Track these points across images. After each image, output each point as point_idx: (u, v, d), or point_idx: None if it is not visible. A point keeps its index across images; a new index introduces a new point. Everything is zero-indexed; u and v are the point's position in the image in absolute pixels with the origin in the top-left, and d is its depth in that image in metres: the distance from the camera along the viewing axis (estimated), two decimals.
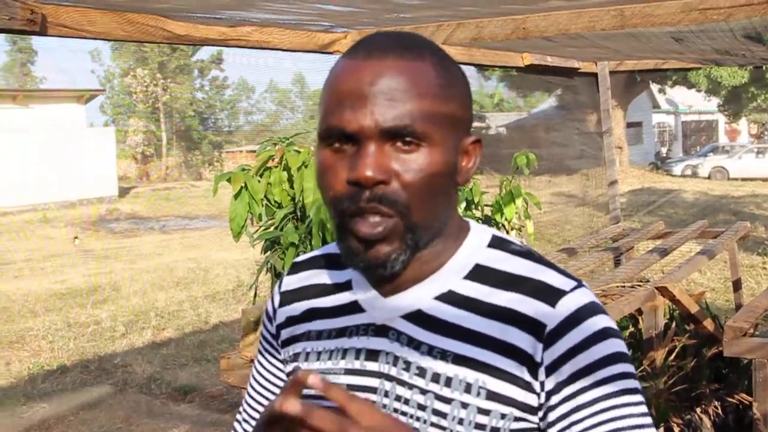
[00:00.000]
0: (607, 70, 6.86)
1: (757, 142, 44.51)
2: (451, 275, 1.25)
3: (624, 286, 4.54)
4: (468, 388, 1.18)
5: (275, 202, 4.16)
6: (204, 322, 10.26)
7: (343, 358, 1.28)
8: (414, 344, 1.23)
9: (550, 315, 1.18)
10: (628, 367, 1.18)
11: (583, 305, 1.19)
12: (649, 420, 1.16)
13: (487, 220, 4.87)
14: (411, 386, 1.21)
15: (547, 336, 1.17)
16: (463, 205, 4.74)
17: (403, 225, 1.16)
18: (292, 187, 4.11)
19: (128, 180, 37.81)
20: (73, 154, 27.39)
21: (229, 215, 4.01)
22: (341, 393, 1.00)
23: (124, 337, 9.58)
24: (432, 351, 1.21)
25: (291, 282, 1.43)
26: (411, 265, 1.21)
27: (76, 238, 18.79)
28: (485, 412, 1.17)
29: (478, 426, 1.17)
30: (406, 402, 1.21)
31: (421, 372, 1.21)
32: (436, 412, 1.19)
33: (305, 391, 1.00)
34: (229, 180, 4.04)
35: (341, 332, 1.30)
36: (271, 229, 4.13)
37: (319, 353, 1.32)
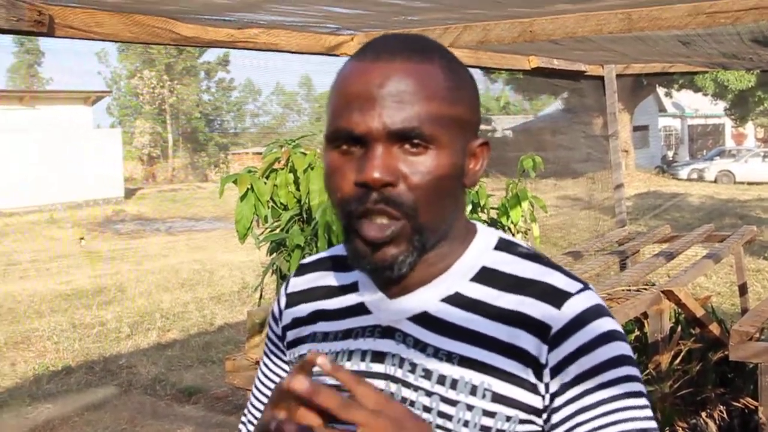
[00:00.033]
0: (613, 73, 6.86)
1: (763, 146, 44.36)
2: (458, 277, 1.25)
3: (630, 290, 4.53)
4: (473, 391, 1.18)
5: (281, 204, 4.16)
6: (209, 323, 10.27)
7: (348, 359, 1.28)
8: (420, 346, 1.23)
9: (555, 317, 1.18)
10: (633, 371, 1.18)
11: (588, 308, 1.19)
12: (653, 424, 1.16)
13: (493, 223, 4.87)
14: (416, 388, 1.21)
15: (552, 338, 1.17)
16: (469, 207, 4.73)
17: (411, 227, 1.16)
18: (298, 189, 4.11)
19: (134, 181, 37.86)
20: (80, 155, 27.44)
21: (235, 217, 4.02)
22: (349, 375, 1.00)
23: (129, 338, 9.59)
24: (438, 353, 1.21)
25: (297, 284, 1.43)
26: (417, 267, 1.21)
27: (81, 239, 18.82)
28: (490, 415, 1.17)
29: (484, 428, 1.17)
30: (412, 404, 1.21)
31: (427, 374, 1.21)
32: (442, 414, 1.19)
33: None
34: (235, 182, 4.04)
35: (347, 334, 1.30)
36: (277, 231, 4.13)
37: (325, 354, 1.32)
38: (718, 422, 4.86)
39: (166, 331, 9.91)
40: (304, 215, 4.11)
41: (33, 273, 14.51)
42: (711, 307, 6.04)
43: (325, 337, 1.33)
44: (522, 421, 1.17)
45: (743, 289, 6.65)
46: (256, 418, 1.48)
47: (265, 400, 1.47)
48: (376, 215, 1.15)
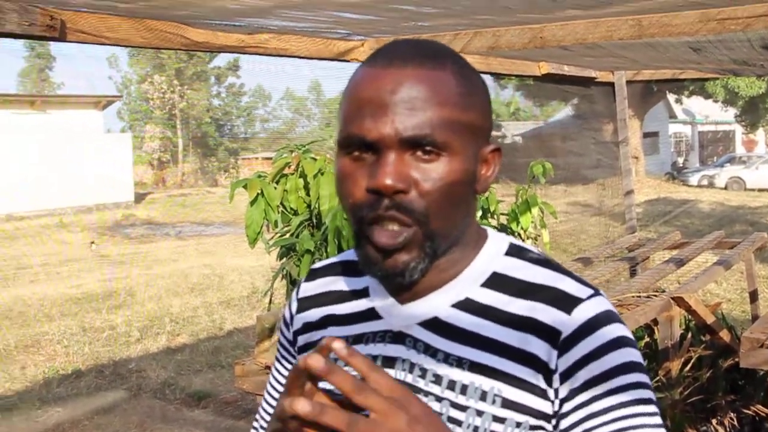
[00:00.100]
0: (624, 79, 6.85)
1: None
2: (469, 283, 1.25)
3: (640, 296, 4.52)
4: (483, 396, 1.18)
5: (291, 209, 4.17)
6: (218, 328, 10.28)
7: None
8: (430, 351, 1.23)
9: (565, 322, 1.18)
10: (643, 377, 1.17)
11: (598, 313, 1.19)
12: (663, 431, 1.15)
13: (503, 229, 4.87)
14: (427, 393, 1.21)
15: (561, 343, 1.17)
16: (480, 213, 4.73)
17: (422, 234, 1.16)
18: (308, 194, 4.12)
19: (144, 186, 37.93)
20: (90, 159, 27.50)
21: (245, 222, 4.03)
22: (364, 362, 0.99)
23: (139, 342, 9.61)
24: (448, 358, 1.21)
25: (308, 289, 1.43)
26: (428, 273, 1.21)
27: (92, 243, 18.85)
28: (500, 420, 1.17)
29: None
30: None
31: (437, 379, 1.21)
32: (452, 420, 1.18)
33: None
34: (245, 187, 4.06)
35: (358, 339, 1.30)
36: (287, 235, 4.15)
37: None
38: (728, 429, 4.85)
39: (175, 336, 9.92)
40: (314, 220, 4.12)
41: (43, 277, 14.55)
42: (721, 313, 6.03)
43: None
44: (532, 427, 1.17)
45: (754, 296, 6.63)
46: (267, 422, 1.48)
47: (275, 403, 1.47)
48: (388, 222, 1.15)
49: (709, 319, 4.66)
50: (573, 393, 1.15)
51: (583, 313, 1.18)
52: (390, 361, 1.25)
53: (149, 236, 21.04)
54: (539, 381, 1.17)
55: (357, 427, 0.93)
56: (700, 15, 3.50)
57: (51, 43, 3.25)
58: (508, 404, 1.17)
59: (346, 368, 0.99)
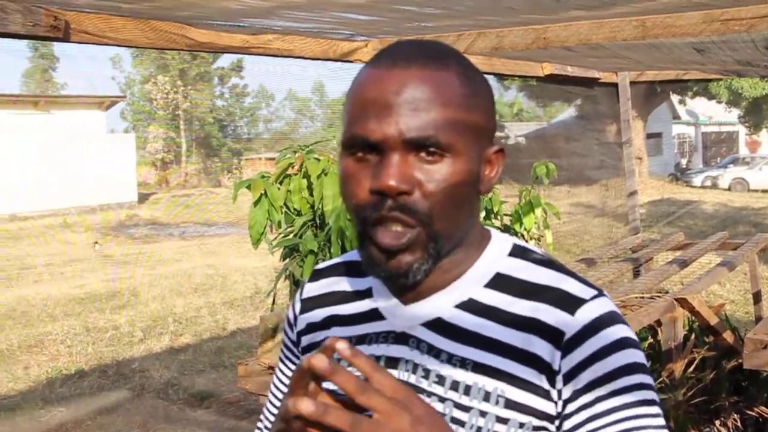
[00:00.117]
0: (627, 80, 6.85)
1: None
2: (472, 284, 1.25)
3: (643, 297, 4.52)
4: (487, 397, 1.18)
5: (294, 209, 4.17)
6: (222, 328, 10.29)
7: None
8: (434, 352, 1.23)
9: (569, 323, 1.17)
10: (647, 378, 1.17)
11: (602, 314, 1.19)
12: None
13: (506, 230, 4.86)
14: (430, 394, 1.21)
15: (565, 344, 1.17)
16: (483, 214, 4.73)
17: (426, 235, 1.16)
18: (311, 194, 4.12)
19: (147, 186, 37.95)
20: (94, 160, 27.52)
21: (248, 222, 4.03)
22: (367, 362, 0.99)
23: (142, 342, 9.61)
24: (451, 359, 1.21)
25: (312, 289, 1.44)
26: (432, 274, 1.21)
27: (96, 243, 18.86)
28: (504, 421, 1.17)
29: None
30: None
31: (441, 380, 1.21)
32: (455, 421, 1.18)
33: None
34: (249, 187, 4.06)
35: (361, 339, 1.30)
36: (290, 236, 4.14)
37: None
38: (731, 431, 4.84)
39: (178, 336, 9.93)
40: (318, 221, 4.12)
41: (47, 277, 14.56)
42: (725, 315, 6.02)
43: None
44: (535, 428, 1.17)
45: (757, 297, 6.62)
46: (271, 422, 1.48)
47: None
48: (391, 223, 1.15)
49: (713, 321, 4.66)
50: (576, 394, 1.15)
51: (586, 313, 1.18)
52: (393, 362, 1.25)
53: (153, 236, 21.06)
54: (542, 382, 1.17)
55: (360, 428, 0.93)
56: (704, 16, 3.50)
57: (54, 43, 3.25)
58: (511, 405, 1.17)
59: (349, 369, 0.99)
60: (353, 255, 1.40)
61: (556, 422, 1.17)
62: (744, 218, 21.27)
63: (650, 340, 5.14)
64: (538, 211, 4.95)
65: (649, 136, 37.09)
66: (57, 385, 7.99)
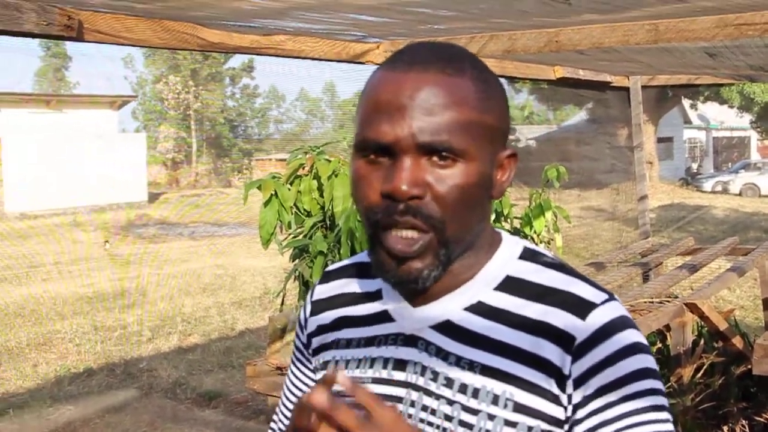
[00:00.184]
0: (639, 84, 6.83)
1: None
2: (482, 286, 1.25)
3: (652, 302, 4.51)
4: (495, 400, 1.17)
5: (305, 210, 4.17)
6: (230, 328, 10.30)
7: (371, 367, 1.28)
8: (442, 355, 1.23)
9: (579, 327, 1.17)
10: (657, 383, 1.17)
11: (613, 319, 1.18)
12: None
13: (516, 233, 4.86)
14: (438, 396, 1.21)
15: (576, 348, 1.16)
16: (493, 217, 4.72)
17: (437, 240, 1.16)
18: (321, 195, 4.12)
19: (157, 186, 38.04)
20: (104, 159, 27.61)
21: (258, 222, 4.03)
22: (367, 395, 1.00)
23: (151, 341, 9.63)
24: (460, 362, 1.21)
25: (322, 291, 1.44)
26: (442, 277, 1.21)
27: (106, 242, 18.90)
28: (512, 425, 1.16)
29: None
30: (433, 412, 1.21)
31: (449, 383, 1.21)
32: (463, 423, 1.18)
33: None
34: (259, 187, 4.06)
35: (370, 341, 1.30)
36: (300, 237, 4.15)
37: (348, 361, 1.32)
38: None
39: (187, 336, 9.94)
40: (328, 222, 4.12)
41: (56, 275, 14.60)
42: (734, 320, 6.01)
43: (349, 343, 1.33)
44: None
45: (767, 303, 6.60)
46: (285, 424, 1.49)
47: (291, 406, 1.47)
48: (403, 227, 1.15)
49: (722, 326, 4.65)
50: (587, 399, 1.15)
51: (597, 318, 1.18)
52: (402, 364, 1.25)
53: (162, 236, 21.10)
54: (551, 386, 1.16)
55: None
56: (717, 20, 3.49)
57: (67, 42, 3.26)
58: (519, 408, 1.17)
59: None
60: (363, 257, 1.40)
61: (566, 427, 1.17)
62: (755, 224, 21.21)
63: (659, 344, 5.13)
64: (549, 215, 4.94)
65: (660, 140, 37.04)
66: (65, 384, 8.01)
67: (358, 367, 1.30)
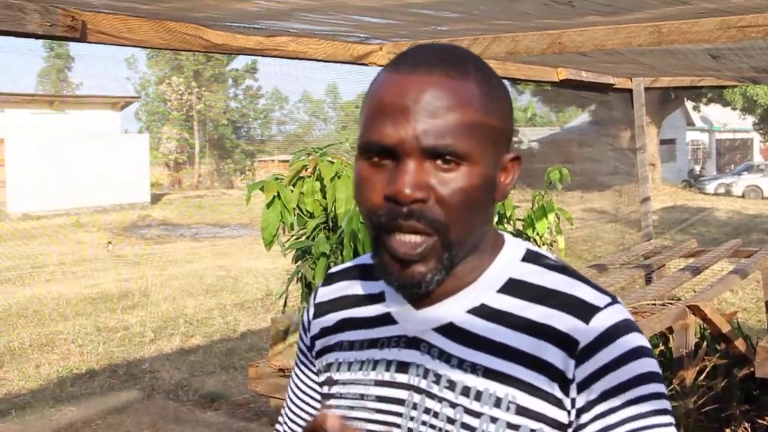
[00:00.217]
0: (642, 86, 6.83)
1: None
2: (485, 289, 1.24)
3: (655, 304, 4.51)
4: (498, 403, 1.17)
5: (307, 211, 4.17)
6: (232, 330, 10.30)
7: (373, 369, 1.28)
8: (445, 357, 1.22)
9: (583, 331, 1.17)
10: (660, 387, 1.17)
11: (616, 322, 1.18)
12: None
13: (519, 235, 4.86)
14: (440, 399, 1.21)
15: (579, 352, 1.16)
16: (495, 219, 4.72)
17: (441, 244, 1.16)
18: (324, 197, 4.12)
19: (160, 187, 38.06)
20: (107, 160, 27.63)
21: (261, 224, 4.03)
22: None
23: (153, 343, 9.63)
24: (462, 364, 1.21)
25: (325, 293, 1.44)
26: (445, 280, 1.21)
27: (109, 243, 18.91)
28: (515, 428, 1.16)
29: None
30: (436, 415, 1.21)
31: (451, 385, 1.21)
32: (465, 426, 1.18)
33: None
34: (262, 189, 4.06)
35: (373, 343, 1.30)
36: (303, 238, 4.15)
37: (351, 363, 1.32)
38: None
39: (189, 337, 9.94)
40: (330, 223, 4.12)
41: (59, 276, 14.61)
42: (737, 322, 5.99)
43: (351, 345, 1.33)
44: None
45: None
46: (291, 429, 1.50)
47: (299, 412, 1.48)
48: (407, 232, 1.15)
49: (725, 328, 4.64)
50: (591, 404, 1.15)
51: (601, 322, 1.17)
52: (404, 367, 1.25)
53: (165, 237, 21.11)
54: (554, 390, 1.16)
55: None
56: (720, 22, 3.49)
57: (69, 43, 3.26)
58: (522, 411, 1.16)
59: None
60: (366, 258, 1.40)
61: (569, 431, 1.17)
62: (758, 226, 21.19)
63: (661, 347, 5.12)
64: (551, 216, 4.94)
65: (663, 142, 37.03)
66: (67, 385, 8.01)
67: (360, 369, 1.30)
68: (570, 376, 1.16)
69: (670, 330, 4.64)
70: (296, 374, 1.49)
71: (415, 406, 1.23)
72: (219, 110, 48.96)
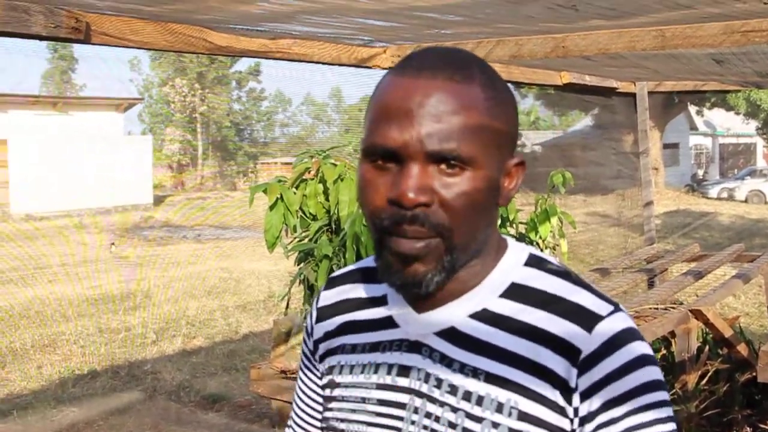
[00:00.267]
0: (645, 90, 6.83)
1: None
2: (487, 293, 1.24)
3: (657, 308, 4.50)
4: (500, 408, 1.17)
5: (310, 214, 4.17)
6: (234, 331, 10.30)
7: (375, 372, 1.28)
8: (446, 361, 1.22)
9: (585, 340, 1.16)
10: (664, 395, 1.17)
11: (619, 331, 1.17)
12: None
13: (522, 238, 4.85)
14: (442, 404, 1.20)
15: (582, 362, 1.15)
16: (498, 222, 4.72)
17: (444, 246, 1.15)
18: (327, 199, 4.12)
19: (163, 188, 38.08)
20: (110, 161, 27.65)
21: (264, 226, 4.04)
22: None
23: (155, 344, 9.63)
24: (464, 369, 1.20)
25: (328, 297, 1.43)
26: (448, 284, 1.20)
27: (113, 244, 18.92)
28: None
29: None
30: (437, 420, 1.20)
31: (453, 390, 1.20)
32: (467, 431, 1.18)
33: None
34: (265, 191, 4.06)
35: (375, 347, 1.30)
36: (306, 241, 4.15)
37: (353, 367, 1.32)
38: None
39: (191, 338, 9.95)
40: (333, 226, 4.12)
41: (62, 277, 14.61)
42: (739, 327, 5.99)
43: (354, 349, 1.33)
44: None
45: None
46: (299, 426, 1.49)
47: (304, 416, 1.48)
48: (411, 236, 1.14)
49: (727, 333, 4.64)
50: (594, 413, 1.14)
51: (603, 330, 1.17)
52: (405, 370, 1.25)
53: (167, 239, 21.12)
54: (556, 397, 1.16)
55: None
56: (724, 27, 3.49)
57: (73, 45, 3.27)
58: (524, 417, 1.16)
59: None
60: (368, 262, 1.40)
61: None
62: (760, 231, 21.18)
63: (664, 351, 5.12)
64: (554, 220, 4.94)
65: (666, 146, 37.00)
66: (69, 385, 8.01)
67: (362, 373, 1.30)
68: (573, 385, 1.15)
69: (673, 334, 4.64)
70: (301, 378, 1.49)
71: (416, 410, 1.22)
72: (222, 112, 48.99)
